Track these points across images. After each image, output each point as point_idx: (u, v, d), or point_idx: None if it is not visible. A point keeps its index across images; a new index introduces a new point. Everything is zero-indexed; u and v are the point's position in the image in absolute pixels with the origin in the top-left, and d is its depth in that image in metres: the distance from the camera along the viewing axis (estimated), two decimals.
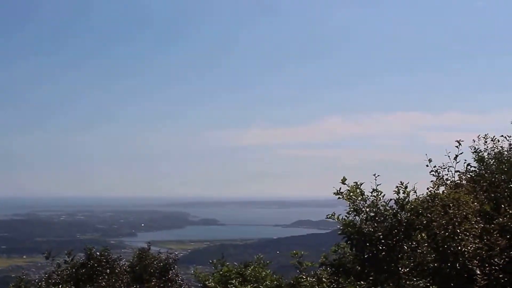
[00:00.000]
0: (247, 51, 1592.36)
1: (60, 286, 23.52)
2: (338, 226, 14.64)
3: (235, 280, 15.24)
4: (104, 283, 25.86)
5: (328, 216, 14.84)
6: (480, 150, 19.11)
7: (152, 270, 29.24)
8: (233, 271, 17.67)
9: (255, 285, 15.31)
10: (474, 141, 19.22)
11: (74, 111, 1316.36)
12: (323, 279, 14.34)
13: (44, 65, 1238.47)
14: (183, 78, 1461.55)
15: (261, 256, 22.55)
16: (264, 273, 18.24)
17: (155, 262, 29.75)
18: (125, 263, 29.66)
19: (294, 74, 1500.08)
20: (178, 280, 29.83)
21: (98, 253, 28.22)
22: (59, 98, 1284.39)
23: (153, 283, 28.11)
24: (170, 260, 30.45)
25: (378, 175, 14.72)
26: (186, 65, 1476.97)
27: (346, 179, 14.75)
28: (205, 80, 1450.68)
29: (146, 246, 31.65)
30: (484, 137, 19.18)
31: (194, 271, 21.42)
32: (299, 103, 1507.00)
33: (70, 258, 26.97)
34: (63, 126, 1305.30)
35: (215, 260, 19.32)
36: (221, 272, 17.06)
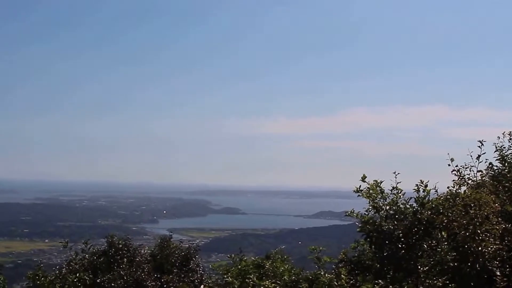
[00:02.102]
0: (270, 39, 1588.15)
1: (78, 274, 23.68)
2: (357, 224, 14.68)
3: (253, 275, 15.29)
4: (123, 272, 26.00)
5: (347, 214, 14.88)
6: (504, 147, 18.70)
7: (173, 260, 29.33)
8: (251, 265, 17.73)
9: (273, 280, 15.34)
10: (499, 138, 18.65)
11: (92, 95, 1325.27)
12: (342, 275, 14.37)
13: (59, 48, 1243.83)
14: (208, 63, 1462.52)
15: (282, 247, 22.63)
16: (282, 268, 18.28)
17: (176, 252, 29.84)
18: (146, 252, 29.82)
19: (319, 64, 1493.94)
20: (199, 270, 29.90)
21: (119, 241, 28.36)
22: (77, 81, 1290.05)
23: (174, 273, 28.23)
24: (192, 250, 30.53)
25: (398, 173, 14.71)
26: (207, 51, 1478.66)
27: (366, 177, 14.73)
28: (230, 67, 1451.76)
29: (168, 234, 31.73)
30: (509, 134, 18.68)
31: (212, 265, 21.54)
32: (322, 93, 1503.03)
33: (88, 247, 27.15)
34: (85, 111, 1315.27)
35: (233, 255, 19.39)
36: (239, 266, 17.12)
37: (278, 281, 15.88)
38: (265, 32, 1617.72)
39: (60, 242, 26.48)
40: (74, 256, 26.49)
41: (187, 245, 31.15)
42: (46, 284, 22.81)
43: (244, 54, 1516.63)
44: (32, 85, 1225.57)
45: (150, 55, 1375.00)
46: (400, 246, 14.29)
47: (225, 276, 16.54)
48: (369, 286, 13.22)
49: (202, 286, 8.98)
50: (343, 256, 16.17)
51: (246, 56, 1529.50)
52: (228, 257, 19.97)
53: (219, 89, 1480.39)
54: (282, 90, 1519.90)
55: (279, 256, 20.63)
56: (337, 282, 14.27)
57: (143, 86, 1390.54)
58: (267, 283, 13.95)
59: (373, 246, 14.71)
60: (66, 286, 22.66)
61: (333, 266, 17.35)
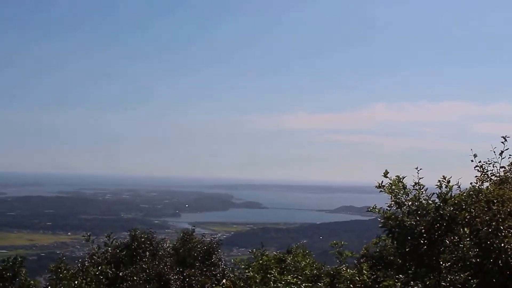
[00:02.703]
0: (292, 35, 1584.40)
1: (100, 267, 23.85)
2: (379, 219, 14.68)
3: (275, 270, 15.33)
4: (145, 266, 26.18)
5: (369, 209, 14.88)
6: None
7: (195, 254, 29.49)
8: (273, 260, 17.80)
9: (294, 275, 15.39)
10: None
11: (117, 89, 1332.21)
12: (364, 271, 14.38)
13: (83, 42, 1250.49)
14: (233, 58, 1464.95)
15: (304, 242, 22.71)
16: (304, 262, 18.32)
17: (199, 246, 29.99)
18: (168, 246, 29.99)
19: (340, 60, 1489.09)
20: (221, 264, 30.04)
21: (141, 235, 28.54)
22: (101, 75, 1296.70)
23: (196, 267, 28.39)
24: (214, 244, 30.67)
25: (421, 168, 14.68)
26: (233, 45, 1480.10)
27: (388, 172, 14.73)
28: (255, 62, 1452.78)
29: (190, 228, 31.88)
30: None
31: (234, 259, 21.64)
32: (345, 89, 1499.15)
33: (111, 241, 27.36)
34: (109, 104, 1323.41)
35: (254, 249, 19.46)
36: (260, 261, 17.19)
37: (300, 275, 15.92)
38: (290, 28, 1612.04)
39: (83, 236, 26.72)
40: (96, 249, 26.71)
41: (209, 239, 31.30)
42: (68, 277, 22.98)
43: (268, 49, 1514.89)
44: (55, 78, 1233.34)
45: (176, 48, 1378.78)
46: (422, 241, 14.26)
47: (247, 271, 16.60)
48: (391, 282, 13.22)
49: (224, 281, 9.05)
50: (365, 251, 16.18)
51: (270, 52, 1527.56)
52: (250, 251, 20.07)
53: (242, 84, 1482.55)
54: (303, 86, 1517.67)
55: (301, 251, 20.69)
56: (359, 277, 14.29)
57: (166, 79, 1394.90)
58: (289, 278, 13.98)
59: (395, 242, 14.71)
60: (88, 279, 22.81)
61: (354, 261, 17.37)
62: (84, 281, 22.75)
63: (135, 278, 24.25)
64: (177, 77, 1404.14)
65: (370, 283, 14.54)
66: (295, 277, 14.23)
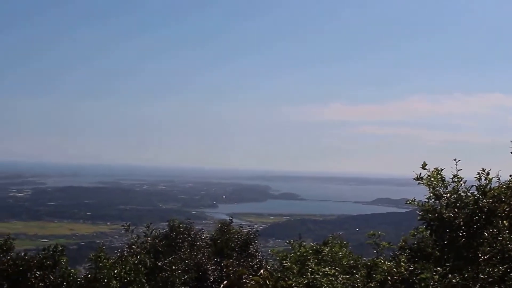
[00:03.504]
0: (329, 28, 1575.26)
1: (138, 256, 24.16)
2: (418, 212, 14.63)
3: (312, 262, 15.44)
4: (184, 256, 26.43)
5: (408, 202, 14.84)
6: None
7: (233, 245, 29.67)
8: (310, 251, 17.90)
9: (331, 266, 15.47)
10: None
11: (155, 78, 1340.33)
12: (401, 263, 14.38)
13: (120, 30, 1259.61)
14: (271, 48, 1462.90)
15: (340, 233, 22.71)
16: (341, 253, 18.38)
17: (236, 237, 30.16)
18: (206, 236, 30.24)
19: (377, 53, 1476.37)
20: (258, 255, 30.18)
21: (180, 225, 28.80)
22: (138, 64, 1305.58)
23: (234, 258, 28.56)
24: (251, 235, 30.83)
25: (459, 160, 14.59)
26: (272, 36, 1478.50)
27: (426, 164, 14.68)
28: (292, 53, 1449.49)
29: (228, 219, 32.08)
30: None
31: (271, 251, 21.74)
32: (382, 81, 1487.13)
33: (150, 231, 27.68)
34: (146, 94, 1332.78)
35: (292, 240, 19.56)
36: (298, 253, 17.31)
37: (337, 267, 16.00)
38: (327, 20, 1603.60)
39: (122, 226, 27.08)
40: (135, 239, 27.06)
41: (247, 230, 31.45)
42: (108, 266, 23.35)
43: (306, 41, 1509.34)
44: (92, 68, 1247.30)
45: (214, 38, 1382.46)
46: (460, 234, 14.19)
47: (284, 262, 16.74)
48: (428, 275, 13.21)
49: (261, 271, 9.18)
50: (403, 243, 16.16)
51: (308, 44, 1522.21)
52: (287, 242, 20.20)
53: (280, 75, 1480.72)
54: (341, 78, 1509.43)
55: (338, 242, 20.74)
56: (396, 269, 14.30)
57: (203, 69, 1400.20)
58: (326, 270, 14.07)
59: (433, 234, 14.66)
60: (127, 267, 23.13)
61: (390, 253, 17.36)
62: (123, 270, 23.13)
63: (173, 268, 24.51)
64: (212, 68, 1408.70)
65: (407, 275, 14.54)
66: (333, 269, 14.30)
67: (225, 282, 8.54)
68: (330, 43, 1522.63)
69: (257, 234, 31.41)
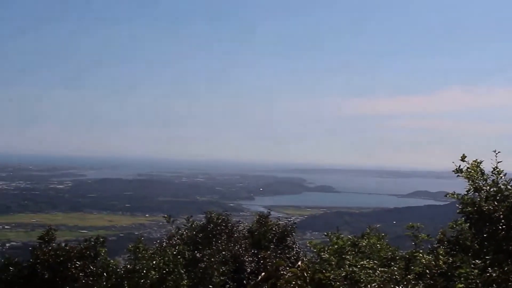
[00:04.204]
0: (379, 23, 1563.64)
1: (177, 247, 24.37)
2: (457, 205, 14.51)
3: (350, 254, 15.45)
4: (221, 247, 26.60)
5: (448, 195, 14.73)
6: None
7: (270, 237, 29.78)
8: (348, 244, 17.89)
9: (370, 260, 15.46)
10: None
11: (189, 73, 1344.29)
12: (440, 256, 14.30)
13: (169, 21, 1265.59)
14: (315, 45, 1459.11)
15: (378, 226, 22.61)
16: (379, 245, 18.34)
17: (274, 229, 30.26)
18: (244, 228, 30.39)
19: (423, 44, 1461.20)
20: (296, 247, 30.23)
21: (217, 217, 29.01)
22: (174, 59, 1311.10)
23: (271, 250, 28.65)
24: (289, 227, 30.90)
25: (499, 151, 14.42)
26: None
27: (465, 157, 14.54)
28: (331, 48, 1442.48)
29: (266, 211, 32.20)
30: None
31: (309, 242, 21.76)
32: (419, 72, 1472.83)
33: (190, 224, 27.92)
34: (186, 88, 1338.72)
35: (330, 232, 19.56)
36: (336, 246, 17.32)
37: (376, 260, 15.97)
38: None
39: (164, 217, 27.39)
40: (174, 231, 27.35)
41: (284, 223, 31.52)
42: (147, 257, 23.62)
43: (361, 36, 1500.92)
44: (128, 62, 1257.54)
45: (260, 32, 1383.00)
46: (500, 227, 14.05)
47: (322, 254, 16.77)
48: (467, 270, 13.12)
49: (299, 263, 9.28)
50: (441, 236, 16.06)
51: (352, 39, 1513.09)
52: (325, 235, 20.20)
53: (324, 69, 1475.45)
54: (378, 71, 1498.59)
55: (376, 233, 20.68)
56: (434, 262, 14.23)
57: (245, 63, 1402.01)
58: (365, 263, 14.06)
59: (472, 228, 14.54)
60: (166, 258, 23.37)
61: (428, 246, 17.27)
62: (162, 261, 23.39)
63: (212, 259, 24.69)
64: (254, 61, 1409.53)
65: (446, 268, 14.47)
66: (371, 262, 14.28)
67: (262, 273, 8.62)
68: (376, 38, 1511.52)
69: (294, 226, 31.48)
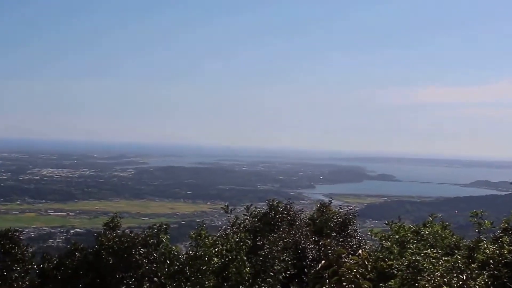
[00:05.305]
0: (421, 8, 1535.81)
1: (239, 235, 24.55)
2: None
3: (412, 243, 15.36)
4: (283, 235, 26.72)
5: None
6: None
7: (332, 225, 29.79)
8: (410, 232, 17.79)
9: (433, 249, 15.34)
10: None
11: (262, 62, 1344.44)
12: (505, 245, 14.10)
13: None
14: (367, 39, 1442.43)
15: (441, 215, 22.38)
16: (443, 233, 18.18)
17: (335, 217, 30.26)
18: (306, 216, 30.47)
19: (468, 36, 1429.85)
20: (357, 236, 30.17)
21: (279, 205, 29.16)
22: (246, 44, 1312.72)
23: (332, 237, 28.66)
24: (350, 216, 30.84)
25: None
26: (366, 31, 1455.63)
27: None
28: (385, 35, 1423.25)
29: (327, 200, 32.23)
30: None
31: (371, 231, 21.69)
32: (473, 64, 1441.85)
33: (250, 213, 28.13)
34: (253, 77, 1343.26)
35: (391, 221, 19.47)
36: (397, 237, 17.24)
37: (439, 249, 15.84)
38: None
39: (221, 208, 27.62)
40: (235, 220, 27.56)
41: (345, 211, 31.48)
42: (209, 244, 23.88)
43: (405, 23, 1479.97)
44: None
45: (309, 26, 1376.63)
46: None
47: (384, 242, 16.72)
48: None
49: (360, 251, 9.30)
50: (506, 224, 15.83)
51: (406, 26, 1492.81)
52: (386, 223, 20.14)
53: (376, 57, 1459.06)
54: (435, 60, 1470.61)
55: (440, 222, 20.49)
56: (499, 251, 14.05)
57: (304, 56, 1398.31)
58: (428, 252, 13.97)
59: None
60: (229, 245, 23.56)
61: (491, 235, 17.03)
62: (224, 248, 23.63)
63: (274, 248, 24.79)
64: (315, 53, 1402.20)
65: (510, 258, 14.25)
66: (434, 251, 14.18)
67: (323, 261, 8.67)
68: (431, 25, 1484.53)
69: (355, 215, 31.39)
